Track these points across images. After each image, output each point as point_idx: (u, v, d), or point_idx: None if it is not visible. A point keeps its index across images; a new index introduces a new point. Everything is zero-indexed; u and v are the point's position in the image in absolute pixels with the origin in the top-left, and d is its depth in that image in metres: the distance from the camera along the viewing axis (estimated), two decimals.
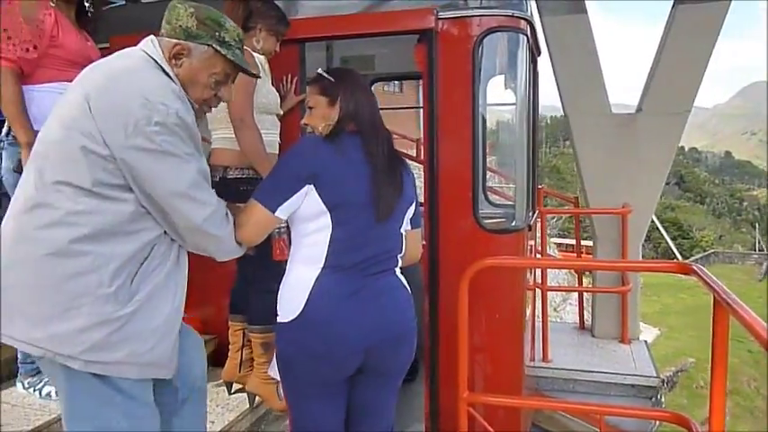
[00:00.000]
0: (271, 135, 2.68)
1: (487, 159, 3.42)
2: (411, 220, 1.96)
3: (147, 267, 1.53)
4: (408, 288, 1.93)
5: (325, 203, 1.75)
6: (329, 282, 1.76)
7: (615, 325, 5.29)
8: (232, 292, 2.82)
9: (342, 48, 3.97)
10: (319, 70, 1.92)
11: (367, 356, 1.81)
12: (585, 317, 5.63)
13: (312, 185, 1.74)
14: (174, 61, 1.58)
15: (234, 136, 2.50)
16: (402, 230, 1.91)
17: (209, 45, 1.60)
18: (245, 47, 1.81)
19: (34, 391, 2.41)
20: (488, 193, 4.27)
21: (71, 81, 2.17)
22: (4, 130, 2.29)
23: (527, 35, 2.97)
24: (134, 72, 1.51)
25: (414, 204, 1.95)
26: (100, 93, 1.46)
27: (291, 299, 1.79)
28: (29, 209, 1.48)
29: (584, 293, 5.94)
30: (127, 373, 1.53)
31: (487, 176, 3.83)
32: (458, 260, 2.86)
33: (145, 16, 3.43)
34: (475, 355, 2.73)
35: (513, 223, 3.08)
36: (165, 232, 1.57)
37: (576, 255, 9.10)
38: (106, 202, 1.47)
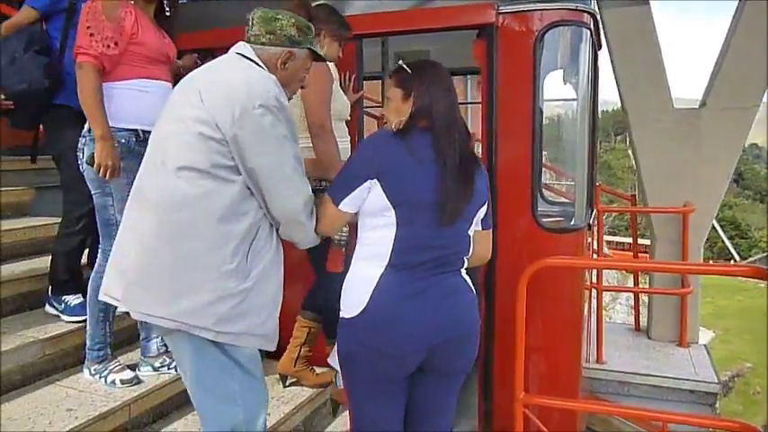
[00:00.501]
0: (343, 142, 2.68)
1: (543, 156, 3.34)
2: (482, 220, 1.91)
3: (256, 247, 1.69)
4: (474, 289, 1.90)
5: (389, 200, 1.73)
6: (393, 280, 1.74)
7: (673, 327, 5.12)
8: (310, 291, 2.83)
9: (396, 43, 3.96)
10: (400, 62, 1.89)
11: (429, 355, 1.80)
12: (640, 318, 5.49)
13: (376, 180, 1.73)
14: (281, 66, 1.79)
15: (310, 145, 2.51)
16: (470, 232, 1.86)
17: (308, 48, 1.84)
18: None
19: (100, 378, 2.50)
20: (543, 190, 4.20)
21: (149, 78, 2.36)
22: (87, 125, 2.35)
23: (590, 29, 2.89)
24: (237, 67, 1.73)
25: (486, 205, 1.90)
26: (209, 85, 1.67)
27: (355, 295, 1.78)
28: (157, 197, 1.65)
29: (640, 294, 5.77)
30: (249, 343, 1.71)
31: (542, 173, 3.73)
32: (515, 259, 2.82)
33: (206, 14, 3.54)
34: (531, 356, 2.68)
35: (573, 222, 3.01)
36: (265, 214, 1.73)
37: (632, 254, 8.90)
38: (220, 184, 1.63)
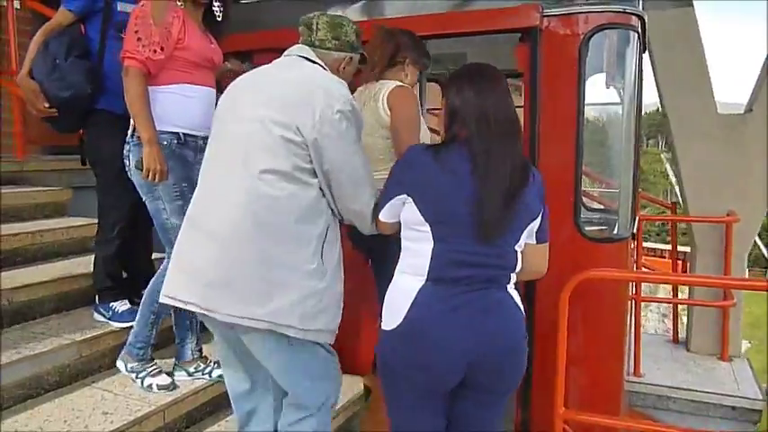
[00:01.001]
0: None
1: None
2: (536, 233, 1.81)
3: (327, 247, 1.78)
4: (521, 306, 1.80)
5: (423, 217, 1.70)
6: (432, 294, 1.70)
7: (713, 340, 4.95)
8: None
9: (433, 46, 3.87)
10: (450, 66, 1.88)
11: (470, 372, 1.74)
12: (677, 328, 5.32)
13: (409, 197, 1.72)
14: (342, 70, 1.94)
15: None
16: (517, 247, 1.76)
17: (360, 53, 2.01)
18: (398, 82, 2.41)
19: (137, 378, 2.49)
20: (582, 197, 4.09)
21: (193, 83, 2.35)
22: (130, 131, 2.36)
23: (638, 32, 2.79)
24: (308, 70, 1.83)
25: (539, 218, 1.78)
26: (283, 87, 1.74)
27: (395, 307, 1.76)
28: (239, 199, 1.69)
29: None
30: (324, 339, 1.83)
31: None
32: (557, 269, 2.72)
33: (247, 16, 3.53)
34: (572, 369, 2.60)
35: (617, 231, 2.90)
36: (333, 213, 1.82)
37: (671, 264, 8.66)
38: (301, 186, 1.71)
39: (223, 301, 1.69)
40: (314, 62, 1.85)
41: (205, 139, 2.31)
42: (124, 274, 2.91)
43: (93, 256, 2.89)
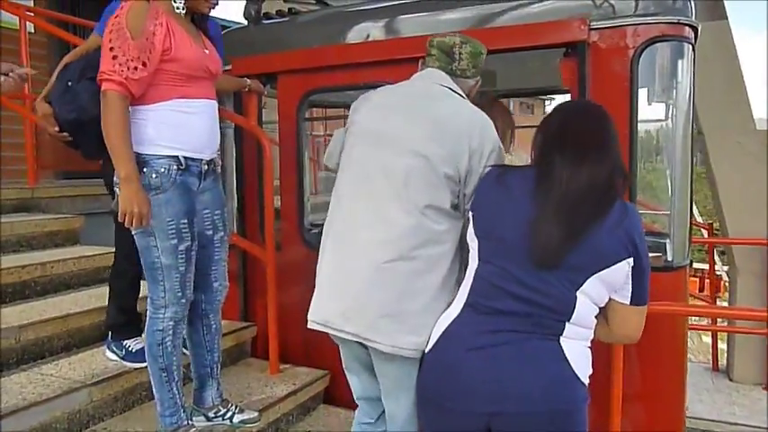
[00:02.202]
0: None
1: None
2: (632, 292, 1.53)
3: (453, 268, 1.77)
4: (575, 363, 1.50)
5: (474, 230, 1.62)
6: (467, 324, 1.56)
7: (758, 368, 4.69)
8: None
9: None
10: None
11: (495, 425, 1.51)
12: (717, 355, 5.06)
13: (472, 212, 1.67)
14: (471, 94, 1.93)
15: None
16: (580, 294, 1.49)
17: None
18: None
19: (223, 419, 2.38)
20: None
21: (189, 97, 2.05)
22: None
23: (692, 44, 2.59)
24: (463, 107, 1.80)
25: (617, 272, 1.48)
26: (447, 126, 1.72)
27: (435, 330, 1.66)
28: (406, 233, 1.70)
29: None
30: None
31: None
32: None
33: (267, 38, 3.38)
34: (628, 411, 2.36)
35: (672, 259, 2.67)
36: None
37: (698, 282, 8.36)
38: (455, 220, 1.76)
39: (392, 333, 1.70)
40: (459, 94, 1.84)
41: (210, 162, 2.15)
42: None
43: (106, 288, 2.69)
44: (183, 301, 2.12)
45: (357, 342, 1.76)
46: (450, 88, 1.83)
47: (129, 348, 2.52)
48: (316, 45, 3.12)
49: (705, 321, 7.00)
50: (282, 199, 3.27)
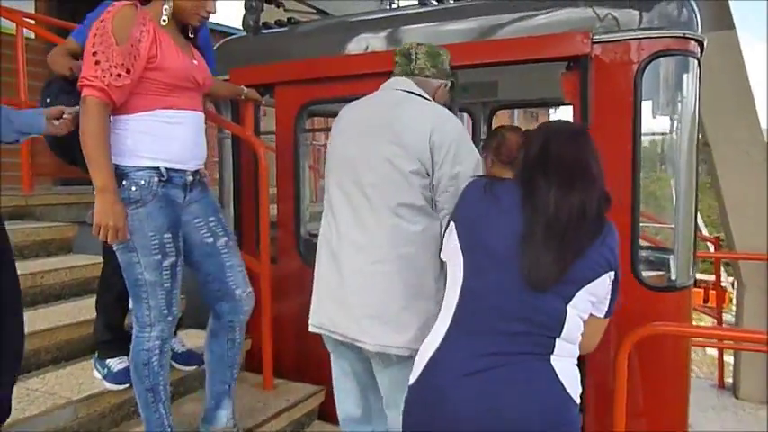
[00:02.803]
0: None
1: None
2: (600, 304, 1.54)
3: (443, 270, 1.82)
4: (565, 382, 1.45)
5: (459, 244, 1.56)
6: (456, 347, 1.48)
7: (764, 386, 4.58)
8: None
9: (464, 75, 3.64)
10: None
11: None
12: (722, 372, 4.95)
13: (454, 223, 1.62)
14: (437, 95, 2.02)
15: None
16: (570, 308, 1.46)
17: (451, 81, 2.10)
18: None
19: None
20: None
21: (174, 108, 1.96)
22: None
23: (698, 58, 2.52)
24: (422, 105, 1.92)
25: (601, 284, 1.49)
26: (406, 123, 1.84)
27: (419, 357, 1.57)
28: (386, 234, 1.83)
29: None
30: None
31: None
32: (612, 321, 2.45)
33: (265, 48, 3.33)
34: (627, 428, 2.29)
35: (676, 277, 2.60)
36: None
37: (702, 293, 8.22)
38: (429, 219, 1.86)
39: (379, 332, 1.83)
40: (418, 95, 1.95)
41: (195, 173, 2.08)
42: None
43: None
44: (170, 318, 2.05)
45: (352, 346, 1.91)
46: (410, 91, 1.95)
47: (111, 368, 2.44)
48: (315, 55, 3.07)
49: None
50: (279, 210, 3.21)
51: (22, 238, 3.32)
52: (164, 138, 1.95)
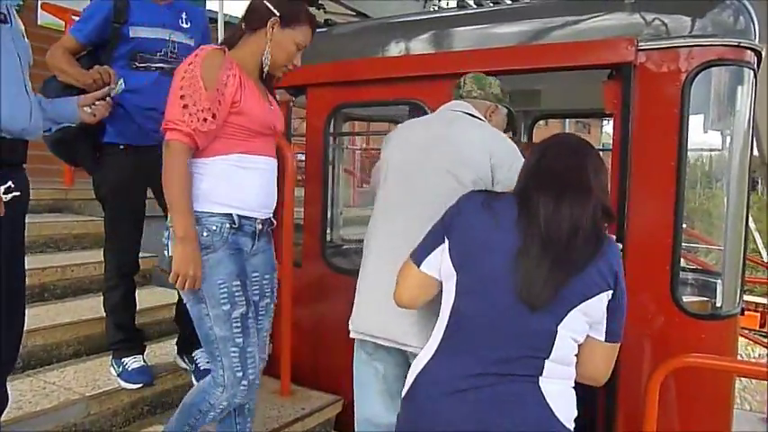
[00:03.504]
0: None
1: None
2: (607, 328, 1.44)
3: None
4: (550, 407, 1.37)
5: (452, 263, 1.49)
6: (444, 365, 1.44)
7: None
8: None
9: (504, 82, 3.53)
10: None
11: None
12: None
13: (447, 239, 1.52)
14: (489, 117, 2.07)
15: None
16: (561, 328, 1.38)
17: (507, 108, 2.16)
18: None
19: None
20: None
21: (250, 153, 1.91)
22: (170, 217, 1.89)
23: (754, 69, 2.34)
24: (476, 125, 2.00)
25: (596, 304, 1.40)
26: (496, 151, 1.88)
27: (411, 370, 1.53)
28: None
29: None
30: None
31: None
32: (648, 350, 2.29)
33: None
34: None
35: (720, 304, 2.41)
36: None
37: (759, 318, 7.80)
38: None
39: (420, 336, 1.77)
40: (473, 116, 2.03)
41: (265, 222, 1.99)
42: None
43: None
44: (245, 383, 1.87)
45: (393, 350, 1.92)
46: (463, 111, 2.03)
47: (126, 366, 2.41)
48: (350, 57, 3.01)
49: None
50: (305, 213, 3.16)
51: (57, 230, 3.38)
52: (238, 184, 1.88)
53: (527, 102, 3.88)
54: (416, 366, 1.50)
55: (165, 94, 2.00)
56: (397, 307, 1.72)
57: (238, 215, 1.87)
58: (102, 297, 2.52)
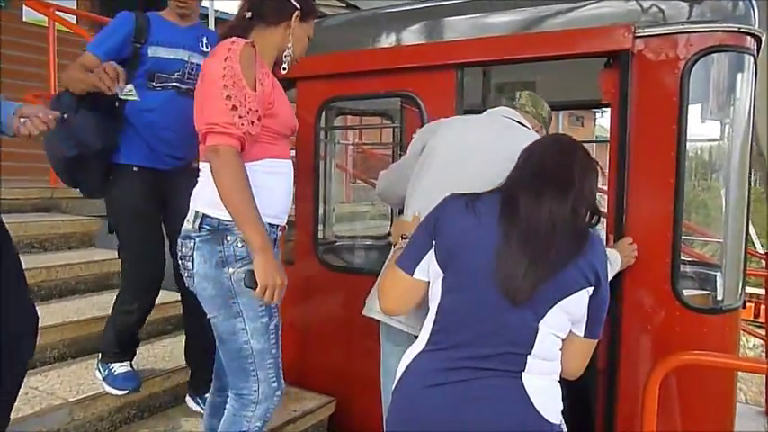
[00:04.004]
0: None
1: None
2: (587, 325, 1.46)
3: None
4: (531, 402, 1.37)
5: (438, 263, 1.49)
6: (428, 360, 1.46)
7: None
8: None
9: (499, 73, 3.46)
10: None
11: None
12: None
13: (434, 241, 1.51)
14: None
15: None
16: (542, 324, 1.39)
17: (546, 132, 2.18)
18: None
19: None
20: None
21: (277, 157, 1.79)
22: (194, 220, 1.74)
23: (754, 55, 2.28)
24: (531, 135, 1.94)
25: (577, 301, 1.40)
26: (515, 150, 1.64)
27: (401, 362, 1.54)
28: None
29: None
30: None
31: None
32: (648, 346, 2.23)
33: None
34: None
35: (721, 297, 2.35)
36: None
37: (752, 308, 7.75)
38: None
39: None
40: (523, 124, 2.05)
41: (283, 228, 1.91)
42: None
43: (112, 294, 2.53)
44: (279, 393, 1.81)
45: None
46: (517, 121, 2.05)
47: (112, 370, 2.33)
48: (341, 50, 2.94)
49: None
50: (297, 210, 3.09)
51: (44, 230, 3.31)
52: (267, 190, 1.75)
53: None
54: (405, 360, 1.51)
55: (179, 114, 1.95)
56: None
57: (269, 224, 1.72)
58: (88, 299, 2.46)
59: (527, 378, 1.39)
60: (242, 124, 1.60)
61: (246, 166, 1.65)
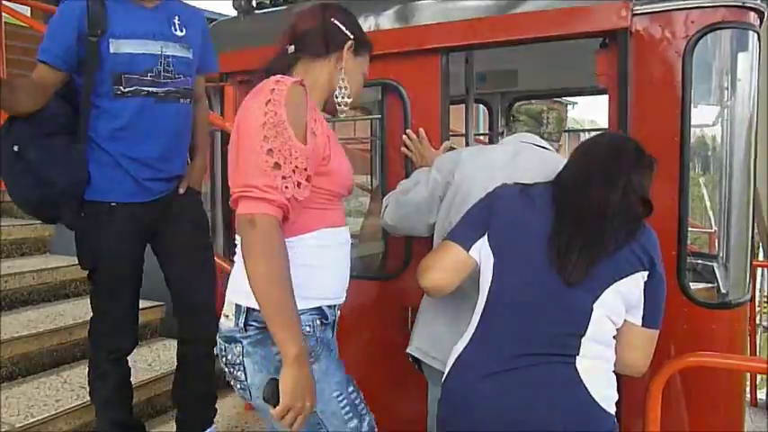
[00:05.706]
0: None
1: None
2: (644, 312, 1.48)
3: None
4: (587, 389, 1.38)
5: (490, 244, 1.53)
6: (478, 349, 1.48)
7: None
8: None
9: (481, 61, 3.29)
10: None
11: None
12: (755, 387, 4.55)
13: (488, 225, 1.56)
14: None
15: None
16: (597, 306, 1.42)
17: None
18: None
19: None
20: None
21: (334, 225, 1.44)
22: (236, 317, 1.36)
23: (758, 32, 2.15)
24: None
25: (631, 284, 1.44)
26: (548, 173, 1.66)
27: (450, 357, 1.55)
28: None
29: None
30: None
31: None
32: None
33: (259, 30, 3.01)
34: None
35: (726, 291, 2.22)
36: None
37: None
38: None
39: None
40: (546, 148, 1.93)
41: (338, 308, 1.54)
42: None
43: (70, 304, 2.30)
44: None
45: None
46: (540, 145, 1.91)
47: None
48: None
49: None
50: None
51: None
52: (324, 267, 1.41)
53: (504, 83, 3.67)
54: (454, 354, 1.52)
55: (156, 123, 1.66)
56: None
57: (327, 306, 1.42)
58: (41, 310, 2.21)
59: (581, 363, 1.40)
60: (286, 187, 1.25)
61: (293, 241, 1.33)
